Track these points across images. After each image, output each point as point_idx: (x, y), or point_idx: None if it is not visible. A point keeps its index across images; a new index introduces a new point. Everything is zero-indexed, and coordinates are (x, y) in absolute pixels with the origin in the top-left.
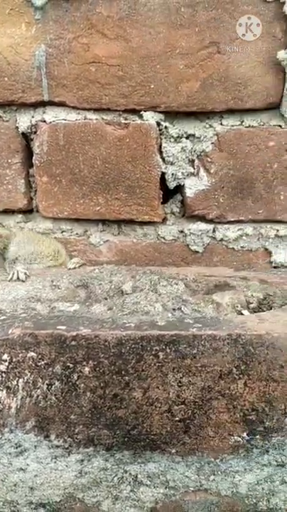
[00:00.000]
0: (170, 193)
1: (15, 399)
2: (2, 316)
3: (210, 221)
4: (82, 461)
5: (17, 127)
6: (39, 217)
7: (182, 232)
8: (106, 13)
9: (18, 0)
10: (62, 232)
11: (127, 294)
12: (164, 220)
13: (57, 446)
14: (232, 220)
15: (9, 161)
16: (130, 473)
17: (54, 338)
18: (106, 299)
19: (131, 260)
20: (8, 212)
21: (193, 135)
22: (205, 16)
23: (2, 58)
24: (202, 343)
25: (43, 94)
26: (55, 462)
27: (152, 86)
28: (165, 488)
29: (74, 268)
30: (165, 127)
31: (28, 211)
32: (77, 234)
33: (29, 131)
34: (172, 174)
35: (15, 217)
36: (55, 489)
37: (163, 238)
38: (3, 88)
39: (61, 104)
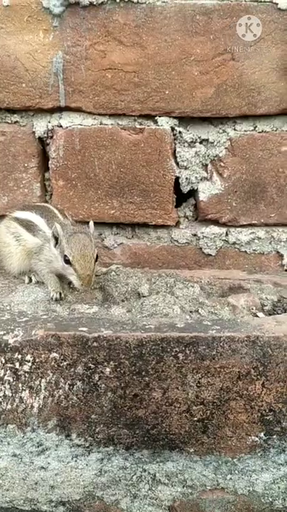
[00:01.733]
0: (183, 197)
1: (37, 398)
2: (24, 317)
3: (223, 225)
4: (102, 460)
5: (33, 132)
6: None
7: (195, 235)
8: (123, 21)
9: (36, 7)
10: None
11: (144, 296)
12: (177, 224)
13: (78, 445)
14: (245, 223)
15: (25, 165)
16: (149, 472)
17: (76, 339)
18: (123, 301)
19: (145, 263)
20: None
21: (207, 140)
22: (220, 24)
23: (20, 65)
24: (221, 344)
25: (60, 99)
26: (76, 461)
27: (167, 92)
28: (183, 486)
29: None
30: (180, 132)
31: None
32: None
33: (45, 136)
34: (186, 178)
35: None
36: (75, 487)
37: (177, 241)
38: (21, 94)
39: (77, 110)
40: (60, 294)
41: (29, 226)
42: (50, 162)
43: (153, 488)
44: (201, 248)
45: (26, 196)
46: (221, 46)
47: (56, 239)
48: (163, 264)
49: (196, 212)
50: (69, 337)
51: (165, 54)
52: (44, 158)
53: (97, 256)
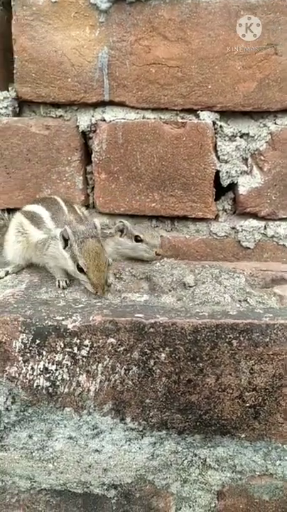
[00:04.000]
0: (221, 190)
1: (94, 382)
2: (79, 304)
3: (262, 218)
4: (155, 444)
5: (77, 126)
6: (95, 213)
7: (233, 228)
8: (168, 16)
9: (83, 3)
10: None
11: (190, 286)
12: (216, 217)
13: (132, 429)
14: (283, 217)
15: (69, 158)
16: (199, 457)
17: (133, 325)
18: (170, 290)
19: (183, 256)
20: None
21: (247, 134)
22: (264, 19)
23: (66, 60)
24: (275, 332)
25: (104, 94)
26: (129, 444)
27: (209, 86)
28: (233, 472)
29: None
30: (221, 126)
31: (84, 207)
32: None
33: (88, 129)
34: (227, 172)
35: None
36: (128, 471)
37: (215, 234)
38: (67, 89)
39: (120, 104)
40: (66, 281)
41: (34, 219)
42: (92, 155)
43: (203, 473)
44: (239, 241)
45: (69, 189)
46: (264, 41)
47: (66, 240)
48: (202, 257)
49: (234, 205)
50: (126, 323)
51: (208, 49)
52: (86, 151)
53: (109, 264)
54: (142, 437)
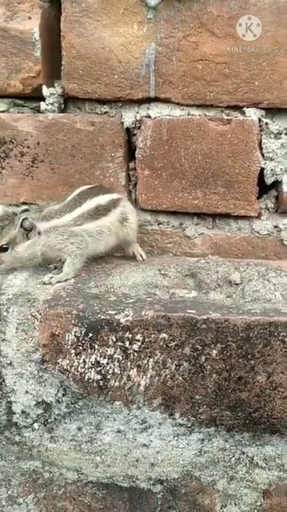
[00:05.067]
0: (264, 188)
1: (144, 377)
2: (130, 299)
3: None
4: (203, 440)
5: (122, 123)
6: (137, 210)
7: (276, 227)
8: (217, 13)
9: (132, 0)
10: (158, 224)
11: (236, 283)
12: (259, 215)
13: (181, 425)
14: None
15: (112, 154)
16: (247, 455)
17: (186, 320)
18: (217, 287)
19: (224, 253)
20: None
21: None
22: None
23: (114, 57)
24: None
25: (150, 90)
26: (177, 440)
27: (256, 83)
28: (280, 471)
29: None
30: (266, 123)
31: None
32: (173, 226)
33: (133, 126)
34: (271, 170)
35: None
36: (175, 466)
37: (257, 233)
38: (113, 85)
39: (166, 101)
40: None
41: None
42: (136, 152)
43: (250, 471)
44: (282, 240)
45: (111, 185)
46: None
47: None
48: (243, 255)
49: (277, 203)
50: (178, 318)
51: (257, 45)
52: (129, 148)
53: None
54: (190, 433)
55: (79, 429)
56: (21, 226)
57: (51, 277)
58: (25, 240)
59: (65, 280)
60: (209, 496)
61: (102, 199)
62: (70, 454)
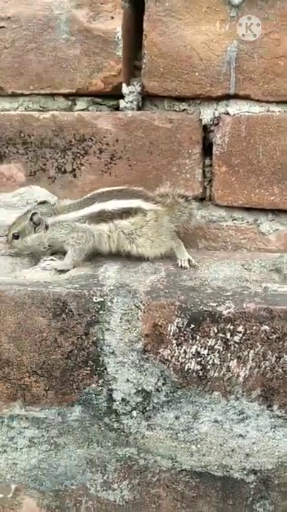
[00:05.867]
0: None
1: (244, 368)
2: (226, 292)
3: None
4: None
5: (200, 120)
6: (211, 206)
7: None
8: None
9: None
10: (233, 220)
11: None
12: None
13: (279, 417)
14: None
15: (190, 151)
16: None
17: None
18: None
19: None
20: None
21: None
22: None
23: (195, 54)
24: None
25: (230, 87)
26: (274, 431)
27: None
28: None
29: None
30: None
31: (200, 199)
32: (247, 222)
33: (211, 123)
34: None
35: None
36: (270, 457)
37: None
38: (193, 83)
39: (245, 98)
40: None
41: None
42: (214, 148)
43: None
44: None
45: (188, 181)
46: None
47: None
48: None
49: None
50: (281, 311)
51: None
52: (205, 144)
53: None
54: None
55: (177, 417)
56: (31, 219)
57: (48, 264)
58: (33, 232)
59: (62, 270)
60: None
61: (111, 205)
62: (166, 442)
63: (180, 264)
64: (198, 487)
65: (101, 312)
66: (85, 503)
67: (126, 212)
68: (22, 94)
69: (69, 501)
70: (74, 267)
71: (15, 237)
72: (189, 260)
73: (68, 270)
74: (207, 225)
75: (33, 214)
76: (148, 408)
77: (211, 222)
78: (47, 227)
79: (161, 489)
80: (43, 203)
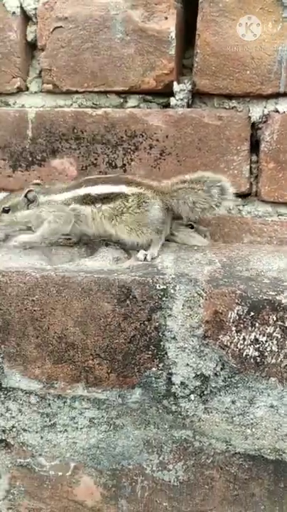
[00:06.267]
0: None
1: None
2: (283, 282)
3: None
4: None
5: (249, 117)
6: (257, 201)
7: None
8: None
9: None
10: (278, 215)
11: None
12: None
13: None
14: None
15: (238, 148)
16: None
17: None
18: None
19: None
20: None
21: None
22: None
23: (247, 54)
24: None
25: (280, 86)
26: None
27: None
28: None
29: None
30: None
31: (245, 195)
32: None
33: (259, 120)
34: None
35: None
36: None
37: None
38: (244, 81)
39: None
40: None
41: None
42: (262, 145)
43: None
44: None
45: (235, 178)
46: None
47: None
48: None
49: None
50: None
51: None
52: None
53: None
54: None
55: (233, 402)
56: (25, 196)
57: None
58: (25, 208)
59: (29, 243)
60: None
61: (95, 189)
62: (221, 425)
63: (137, 256)
64: (251, 470)
65: (163, 299)
66: (141, 483)
67: (107, 198)
68: (76, 92)
69: (126, 480)
70: (41, 244)
71: (6, 211)
72: (146, 255)
73: (35, 243)
74: (252, 220)
75: (29, 191)
76: (205, 392)
77: (256, 217)
78: (38, 205)
79: (215, 471)
80: (38, 184)
